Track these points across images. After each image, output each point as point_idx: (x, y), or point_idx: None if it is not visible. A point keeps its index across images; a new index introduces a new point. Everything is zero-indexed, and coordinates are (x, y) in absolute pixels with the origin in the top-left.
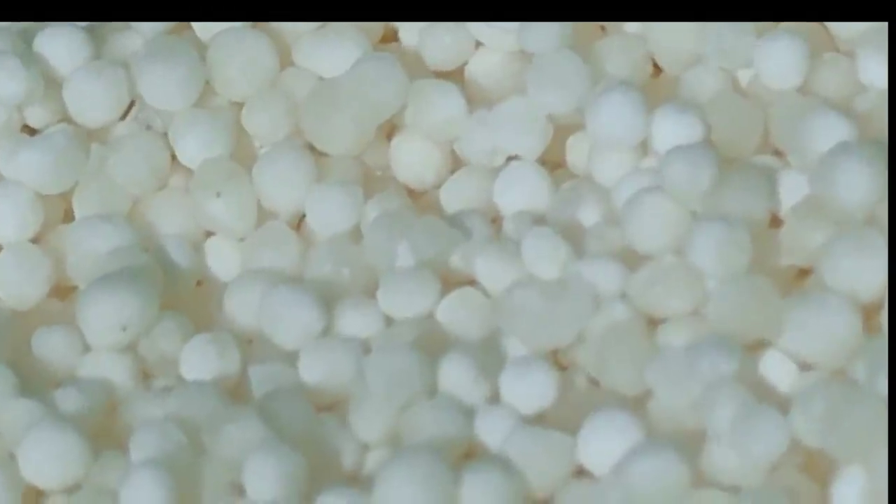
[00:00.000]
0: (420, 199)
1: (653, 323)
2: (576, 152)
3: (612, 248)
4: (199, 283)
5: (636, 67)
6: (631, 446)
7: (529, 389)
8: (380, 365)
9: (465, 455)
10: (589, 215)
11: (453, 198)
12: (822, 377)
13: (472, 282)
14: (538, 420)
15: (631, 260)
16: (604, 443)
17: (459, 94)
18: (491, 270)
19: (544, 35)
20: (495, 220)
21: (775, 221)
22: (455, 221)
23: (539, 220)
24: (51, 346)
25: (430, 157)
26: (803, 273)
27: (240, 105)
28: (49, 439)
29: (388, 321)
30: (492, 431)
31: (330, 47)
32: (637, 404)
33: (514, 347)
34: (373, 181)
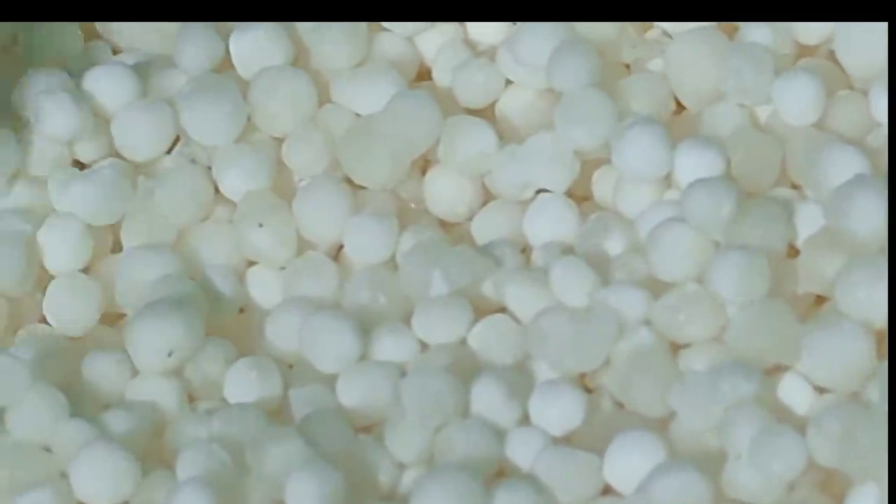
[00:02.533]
0: (452, 231)
1: (675, 348)
2: (602, 185)
3: (637, 276)
4: (241, 311)
5: (660, 104)
6: (655, 466)
7: (558, 411)
8: (415, 388)
9: (497, 474)
10: (615, 245)
11: (485, 229)
12: (837, 399)
13: (502, 309)
14: (566, 441)
15: (655, 288)
16: (629, 462)
17: (491, 130)
18: (521, 298)
19: (572, 73)
20: (525, 251)
21: (793, 251)
22: (486, 251)
23: (567, 250)
24: (101, 371)
25: (462, 190)
26: (819, 300)
27: (280, 140)
28: (100, 459)
29: (423, 346)
30: (522, 451)
31: (366, 85)
32: (660, 426)
33: (543, 371)
34: (408, 213)
